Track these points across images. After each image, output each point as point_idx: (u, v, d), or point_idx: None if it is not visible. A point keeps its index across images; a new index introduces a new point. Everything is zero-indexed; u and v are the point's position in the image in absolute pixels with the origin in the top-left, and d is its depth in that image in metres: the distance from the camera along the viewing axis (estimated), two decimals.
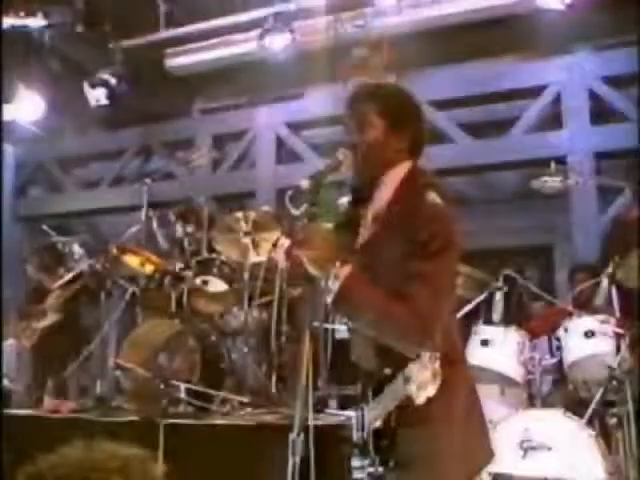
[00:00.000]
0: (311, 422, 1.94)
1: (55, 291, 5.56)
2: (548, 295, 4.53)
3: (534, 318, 5.16)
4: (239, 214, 4.72)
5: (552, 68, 6.81)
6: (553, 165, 4.28)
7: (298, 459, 1.87)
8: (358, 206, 2.18)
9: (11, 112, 7.13)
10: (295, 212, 2.04)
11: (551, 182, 4.25)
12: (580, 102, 6.54)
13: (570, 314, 4.08)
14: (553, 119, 6.70)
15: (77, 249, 5.21)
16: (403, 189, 2.04)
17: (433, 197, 1.95)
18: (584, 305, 4.33)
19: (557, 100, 6.65)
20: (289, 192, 2.05)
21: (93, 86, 6.97)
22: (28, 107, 7.22)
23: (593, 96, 6.51)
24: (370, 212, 2.12)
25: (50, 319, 5.51)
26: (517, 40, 6.59)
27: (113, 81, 6.96)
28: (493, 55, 7.00)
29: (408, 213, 1.96)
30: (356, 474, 1.87)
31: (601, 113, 6.55)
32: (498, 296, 4.23)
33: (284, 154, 7.73)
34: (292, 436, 1.89)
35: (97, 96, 6.98)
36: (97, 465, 0.99)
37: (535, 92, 6.77)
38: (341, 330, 5.18)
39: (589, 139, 6.42)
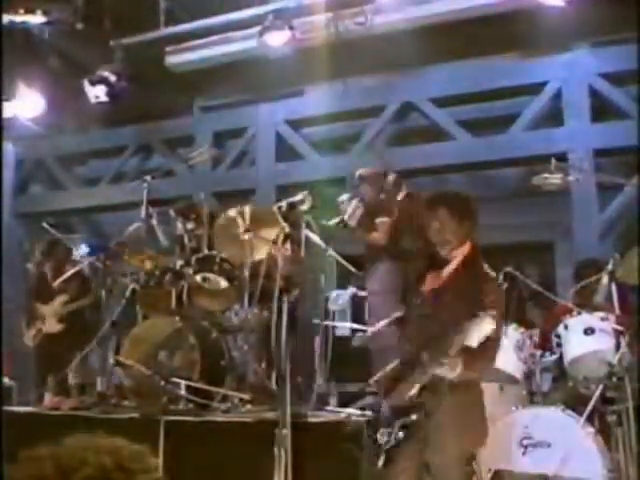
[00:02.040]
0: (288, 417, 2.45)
1: (60, 295, 5.58)
2: (548, 292, 4.50)
3: (547, 315, 5.10)
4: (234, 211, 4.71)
5: (552, 65, 6.80)
6: (554, 162, 4.26)
7: (284, 452, 2.45)
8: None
9: (11, 109, 7.12)
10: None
11: (552, 179, 4.24)
12: (580, 99, 6.53)
13: (570, 311, 4.08)
14: (553, 116, 6.70)
15: (77, 246, 5.21)
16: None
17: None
18: (586, 301, 4.32)
19: (557, 97, 6.64)
20: (282, 207, 2.69)
21: (93, 83, 6.96)
22: (28, 104, 7.21)
23: (593, 93, 6.51)
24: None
25: (55, 327, 5.54)
26: (517, 37, 6.58)
27: (113, 78, 6.94)
28: (493, 52, 6.99)
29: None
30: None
31: (601, 110, 6.55)
32: None
33: (284, 151, 7.73)
34: (277, 430, 2.57)
35: (97, 93, 6.96)
36: (95, 450, 1.06)
37: (535, 89, 6.76)
38: (342, 327, 5.19)
39: (589, 136, 6.42)
